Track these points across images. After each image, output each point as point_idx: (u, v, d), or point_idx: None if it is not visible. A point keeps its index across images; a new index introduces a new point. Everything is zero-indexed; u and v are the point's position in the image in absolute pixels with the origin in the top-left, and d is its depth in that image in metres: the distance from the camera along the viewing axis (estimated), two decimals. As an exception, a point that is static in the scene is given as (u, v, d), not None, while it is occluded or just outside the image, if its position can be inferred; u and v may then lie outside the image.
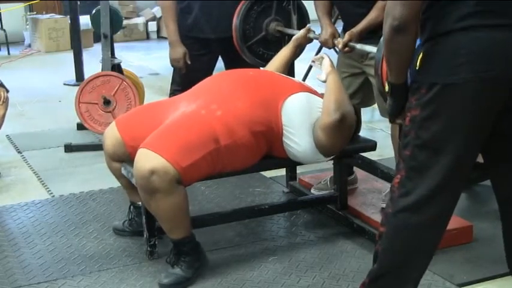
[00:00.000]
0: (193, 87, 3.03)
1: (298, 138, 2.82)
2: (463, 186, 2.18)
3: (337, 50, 3.45)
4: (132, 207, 3.19)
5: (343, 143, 2.91)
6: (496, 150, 2.16)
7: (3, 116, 4.11)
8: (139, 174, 2.62)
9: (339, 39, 3.15)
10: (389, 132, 3.47)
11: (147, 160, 2.59)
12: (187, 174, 2.63)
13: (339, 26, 3.40)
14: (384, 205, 3.26)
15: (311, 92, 2.96)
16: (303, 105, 2.86)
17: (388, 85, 2.16)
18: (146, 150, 2.63)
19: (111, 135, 2.95)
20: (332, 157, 2.99)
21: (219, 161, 2.73)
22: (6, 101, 4.11)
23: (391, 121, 2.31)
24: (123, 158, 2.91)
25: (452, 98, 1.97)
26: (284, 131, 2.82)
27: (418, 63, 2.07)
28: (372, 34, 3.08)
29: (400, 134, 2.79)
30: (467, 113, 1.99)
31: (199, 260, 2.82)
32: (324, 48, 3.69)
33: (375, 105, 3.39)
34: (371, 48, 2.87)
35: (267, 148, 2.87)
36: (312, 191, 3.59)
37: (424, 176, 2.06)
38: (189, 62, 3.81)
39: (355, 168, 3.56)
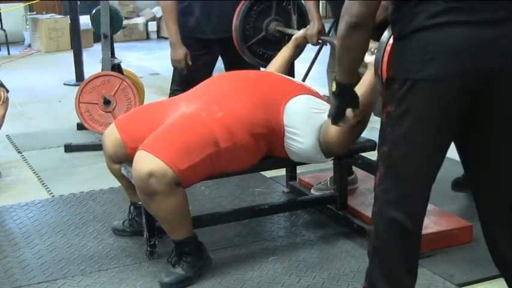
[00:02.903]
0: (194, 88, 3.03)
1: (302, 137, 2.81)
2: (432, 182, 2.17)
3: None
4: (132, 207, 3.19)
5: (349, 145, 2.91)
6: (472, 150, 2.16)
7: (3, 116, 4.11)
8: (137, 176, 2.61)
9: None
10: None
11: (146, 162, 2.59)
12: (185, 177, 2.63)
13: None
14: None
15: (312, 94, 2.96)
16: (306, 107, 2.86)
17: (336, 84, 2.15)
18: (145, 152, 2.62)
19: (111, 136, 2.95)
20: (332, 158, 2.98)
21: (219, 163, 2.72)
22: (6, 101, 4.11)
23: (333, 123, 2.30)
24: (123, 158, 2.91)
25: (422, 93, 1.98)
26: (286, 132, 2.82)
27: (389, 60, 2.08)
28: None
29: None
30: (437, 109, 1.99)
31: (202, 259, 2.81)
32: (323, 48, 3.68)
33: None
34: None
35: (267, 149, 2.87)
36: (312, 191, 3.59)
37: (399, 172, 2.07)
38: (190, 63, 3.81)
39: (355, 168, 3.56)
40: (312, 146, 2.83)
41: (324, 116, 2.86)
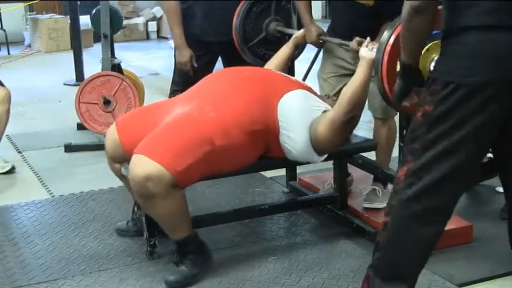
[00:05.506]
0: (190, 89, 3.02)
1: (293, 133, 2.80)
2: (466, 186, 2.19)
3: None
4: (136, 207, 3.18)
5: (340, 142, 2.89)
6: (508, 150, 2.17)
7: (8, 110, 4.11)
8: (134, 180, 2.61)
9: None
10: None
11: (142, 166, 2.58)
12: (182, 178, 2.62)
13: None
14: (365, 205, 3.27)
15: (309, 90, 2.95)
16: (300, 101, 2.84)
17: (400, 64, 2.19)
18: (140, 156, 2.61)
19: (111, 137, 2.95)
20: (325, 157, 2.96)
21: (215, 161, 2.71)
22: (6, 97, 4.10)
23: (397, 102, 2.33)
24: (122, 159, 2.91)
25: (466, 98, 1.99)
26: (280, 128, 2.81)
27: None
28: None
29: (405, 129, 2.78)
30: (480, 115, 2.01)
31: (204, 256, 2.82)
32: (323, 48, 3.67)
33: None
34: None
35: (264, 146, 2.86)
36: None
37: (431, 169, 2.08)
38: (195, 65, 3.81)
39: (352, 169, 3.54)
40: (304, 142, 2.81)
41: (318, 113, 2.86)
